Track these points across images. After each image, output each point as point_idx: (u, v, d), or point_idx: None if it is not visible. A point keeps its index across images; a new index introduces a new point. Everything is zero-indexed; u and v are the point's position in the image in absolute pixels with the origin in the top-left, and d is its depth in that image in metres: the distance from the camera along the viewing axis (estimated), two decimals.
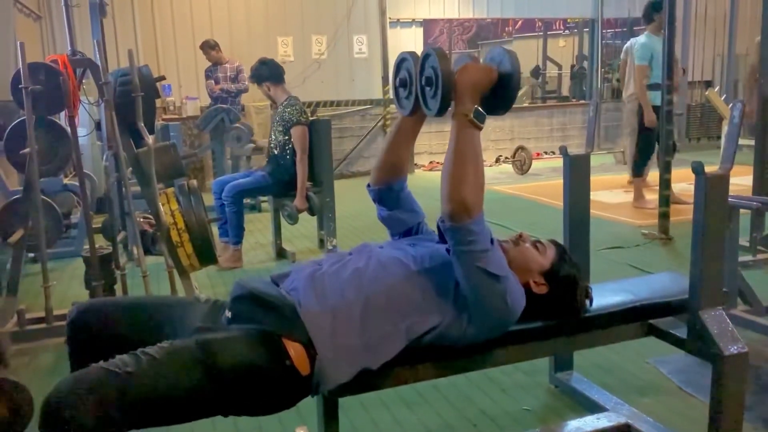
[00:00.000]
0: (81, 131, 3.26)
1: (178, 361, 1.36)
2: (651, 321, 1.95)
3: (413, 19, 8.95)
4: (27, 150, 2.90)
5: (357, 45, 8.66)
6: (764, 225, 3.69)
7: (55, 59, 3.02)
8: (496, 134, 9.38)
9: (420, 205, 1.91)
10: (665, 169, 4.48)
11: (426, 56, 1.58)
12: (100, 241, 3.54)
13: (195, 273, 3.34)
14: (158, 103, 5.10)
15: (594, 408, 2.28)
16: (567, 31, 13.80)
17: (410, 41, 8.97)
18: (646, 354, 2.71)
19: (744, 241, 3.53)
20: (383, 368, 1.54)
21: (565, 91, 12.72)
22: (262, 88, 4.48)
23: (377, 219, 1.90)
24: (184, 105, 7.76)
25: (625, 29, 10.90)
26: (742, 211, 3.06)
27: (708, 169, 1.80)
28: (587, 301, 1.81)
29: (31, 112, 2.87)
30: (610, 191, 6.52)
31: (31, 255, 4.03)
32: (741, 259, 3.17)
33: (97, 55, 3.17)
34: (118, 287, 3.21)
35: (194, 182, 3.29)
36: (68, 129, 3.07)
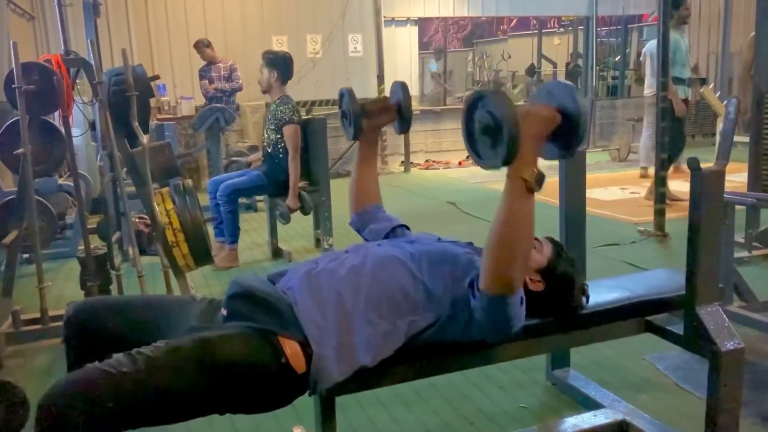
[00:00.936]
0: (75, 131, 3.25)
1: (174, 359, 1.36)
2: (647, 318, 1.96)
3: (408, 18, 8.95)
4: (21, 150, 2.89)
5: (352, 44, 8.65)
6: (760, 221, 3.70)
7: (49, 59, 3.01)
8: None
9: (392, 215, 1.98)
10: (661, 166, 4.49)
11: (480, 98, 1.37)
12: (96, 241, 3.54)
13: (191, 273, 3.33)
14: (153, 102, 5.09)
15: (591, 405, 2.28)
16: (562, 29, 13.82)
17: (405, 40, 8.97)
18: (643, 351, 2.72)
19: (740, 237, 3.54)
20: (380, 366, 1.54)
21: None
22: (267, 71, 4.38)
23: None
24: (178, 105, 7.74)
25: (619, 27, 10.93)
26: (737, 207, 3.07)
27: (703, 165, 1.80)
28: (584, 299, 1.81)
29: (24, 112, 2.85)
30: (606, 188, 6.53)
31: (26, 256, 4.02)
32: (737, 255, 3.18)
33: (91, 55, 3.17)
34: (113, 288, 3.20)
35: (189, 182, 3.28)
36: (62, 129, 3.05)
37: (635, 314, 1.95)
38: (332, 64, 8.57)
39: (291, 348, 1.43)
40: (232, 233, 4.37)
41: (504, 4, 9.38)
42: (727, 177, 1.89)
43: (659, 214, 4.57)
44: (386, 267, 1.58)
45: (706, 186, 1.77)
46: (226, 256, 4.36)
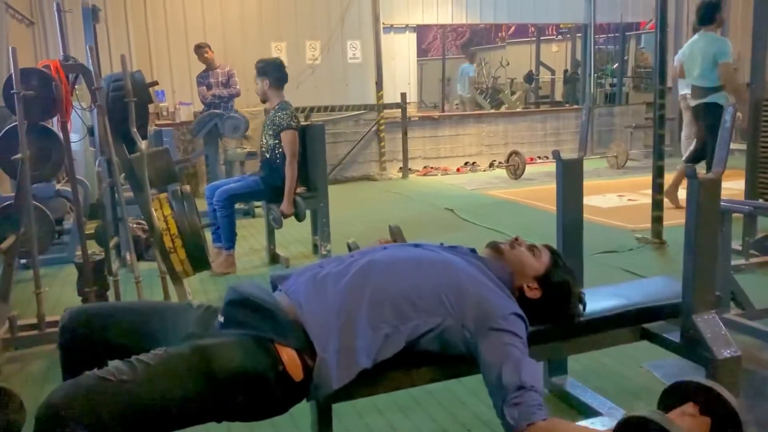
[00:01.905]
0: (73, 137, 3.25)
1: (173, 368, 1.36)
2: (644, 325, 1.96)
3: (407, 25, 8.98)
4: (19, 156, 2.89)
5: (351, 50, 8.68)
6: (757, 229, 3.70)
7: (48, 64, 3.01)
8: (490, 139, 9.40)
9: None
10: (658, 174, 4.50)
11: (645, 423, 1.25)
12: (93, 247, 3.53)
13: (188, 279, 3.33)
14: (151, 108, 5.09)
15: (588, 412, 2.28)
16: (560, 37, 13.87)
17: (404, 47, 8.99)
18: (640, 358, 2.71)
19: (737, 245, 3.54)
20: (378, 373, 1.54)
21: (558, 96, 12.77)
22: (262, 82, 4.43)
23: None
24: (177, 110, 7.75)
25: (617, 34, 10.97)
26: (734, 215, 3.08)
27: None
28: (580, 307, 1.81)
29: (23, 118, 2.86)
30: (603, 195, 6.54)
31: (24, 261, 4.01)
32: (734, 262, 3.18)
33: (90, 61, 3.17)
34: (110, 293, 3.20)
35: (187, 187, 3.28)
36: (61, 134, 3.06)
37: (632, 322, 1.95)
38: (331, 71, 8.59)
39: (288, 356, 1.43)
40: (228, 238, 4.37)
41: (502, 11, 9.42)
42: (724, 185, 1.89)
43: (657, 221, 4.58)
44: (391, 271, 1.59)
45: (703, 193, 1.78)
46: (223, 261, 4.35)
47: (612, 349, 2.25)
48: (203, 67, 7.31)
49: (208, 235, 4.14)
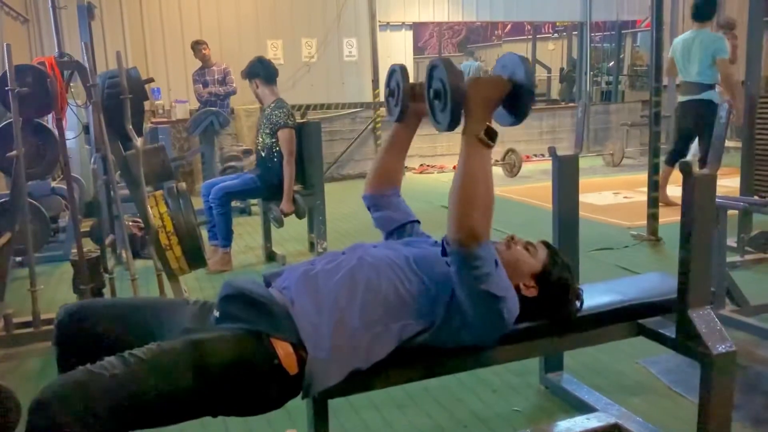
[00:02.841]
0: (69, 134, 3.25)
1: (167, 361, 1.36)
2: (640, 321, 1.96)
3: (403, 23, 8.97)
4: (14, 153, 2.88)
5: (347, 48, 8.67)
6: (752, 226, 3.71)
7: (43, 61, 3.00)
8: None
9: (412, 210, 1.93)
10: (654, 171, 4.51)
11: (433, 67, 1.51)
12: (89, 244, 3.52)
13: (184, 276, 3.32)
14: (147, 106, 5.08)
15: (584, 408, 2.29)
16: (556, 35, 13.89)
17: (400, 44, 8.99)
18: (635, 354, 2.72)
19: (732, 241, 3.55)
20: (373, 369, 1.54)
21: (554, 94, 12.80)
22: (252, 84, 4.47)
23: (368, 222, 1.92)
24: (173, 108, 7.73)
25: (613, 32, 10.99)
26: (729, 212, 3.09)
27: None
28: (578, 304, 1.81)
29: (18, 115, 2.85)
30: (599, 193, 6.55)
31: (19, 259, 4.00)
32: (729, 259, 3.20)
33: (85, 58, 3.16)
34: (106, 291, 3.19)
35: (183, 185, 3.27)
36: (56, 132, 3.05)
37: (628, 318, 1.95)
38: (327, 68, 8.58)
39: (283, 349, 1.43)
40: (224, 236, 4.36)
41: (498, 9, 9.42)
42: (720, 182, 1.90)
43: (652, 218, 4.59)
44: (382, 270, 1.59)
45: (698, 190, 1.78)
46: (219, 259, 4.35)
47: (607, 345, 2.26)
48: (199, 64, 7.31)
49: (204, 233, 4.13)
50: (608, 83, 11.20)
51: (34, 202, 3.55)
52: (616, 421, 2.16)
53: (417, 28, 10.01)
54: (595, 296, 1.92)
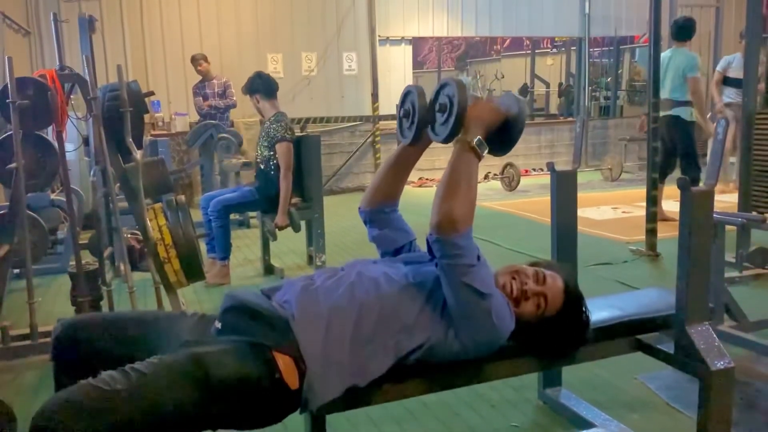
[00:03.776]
0: (69, 146, 3.25)
1: (168, 375, 1.35)
2: (639, 336, 1.96)
3: (402, 37, 9.02)
4: (14, 165, 2.88)
5: (347, 62, 8.71)
6: (750, 241, 3.71)
7: (44, 74, 3.01)
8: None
9: (410, 227, 1.92)
10: (652, 186, 4.52)
11: (444, 85, 1.63)
12: (87, 257, 3.51)
13: (182, 289, 3.31)
14: (147, 118, 5.08)
15: (583, 424, 2.28)
16: (554, 50, 13.95)
17: (400, 59, 9.03)
18: (634, 370, 2.71)
19: (730, 257, 3.55)
20: (371, 384, 1.54)
21: (553, 109, 12.84)
22: (252, 99, 4.49)
23: (367, 238, 1.91)
24: (173, 121, 7.75)
25: (611, 47, 11.05)
26: (728, 227, 3.09)
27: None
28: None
29: (18, 127, 2.85)
30: (598, 208, 6.56)
31: (17, 271, 3.99)
32: (727, 275, 3.19)
33: (86, 70, 3.17)
34: (104, 303, 3.18)
35: (182, 198, 3.27)
36: (56, 144, 3.05)
37: (627, 333, 1.95)
38: (327, 82, 8.62)
39: (285, 363, 1.43)
40: (223, 249, 4.36)
41: (497, 24, 9.48)
42: (718, 198, 1.90)
43: (651, 233, 4.59)
44: (380, 286, 1.59)
45: (696, 206, 1.79)
46: (217, 272, 4.34)
47: (606, 361, 2.25)
48: (199, 77, 7.33)
49: (203, 246, 4.13)
50: (607, 98, 11.25)
51: (33, 214, 3.54)
52: None
53: (416, 42, 10.06)
54: (593, 312, 1.91)
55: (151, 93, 3.68)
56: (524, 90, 12.61)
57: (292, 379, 1.43)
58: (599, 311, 1.95)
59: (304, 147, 4.49)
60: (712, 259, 2.07)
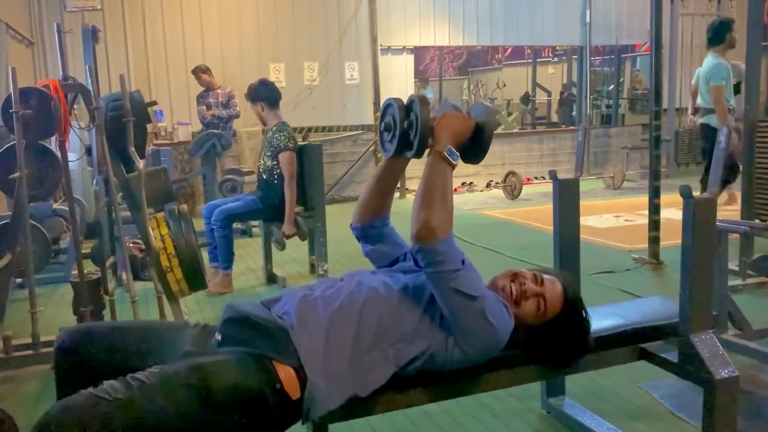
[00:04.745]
0: (71, 156, 3.25)
1: (169, 385, 1.35)
2: (642, 345, 1.95)
3: (404, 47, 9.04)
4: (16, 174, 2.89)
5: (348, 71, 8.73)
6: (753, 249, 3.71)
7: (47, 84, 3.02)
8: (487, 160, 9.26)
9: (403, 239, 1.91)
10: (654, 194, 4.52)
11: (410, 102, 1.66)
12: (89, 266, 3.51)
13: (184, 298, 3.31)
14: (150, 128, 5.10)
15: None
16: (556, 59, 13.99)
17: (401, 68, 9.06)
18: (638, 379, 2.70)
19: (734, 265, 3.54)
20: (373, 394, 1.54)
21: (554, 117, 12.85)
22: (256, 107, 4.50)
23: (363, 255, 1.92)
24: (175, 130, 7.77)
25: (612, 56, 11.07)
26: (731, 235, 3.08)
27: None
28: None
29: (21, 137, 2.86)
30: (600, 216, 6.55)
31: (19, 280, 3.99)
32: (731, 283, 3.18)
33: (89, 81, 3.18)
34: (106, 313, 3.18)
35: (184, 207, 3.28)
36: (59, 154, 3.06)
37: (630, 342, 1.95)
38: (329, 91, 8.64)
39: (286, 373, 1.43)
40: (225, 258, 4.36)
41: (498, 33, 9.50)
42: (727, 209, 1.90)
43: (653, 242, 4.58)
44: (380, 296, 1.59)
45: (699, 214, 1.79)
46: (220, 281, 4.34)
47: (610, 370, 2.25)
48: (202, 87, 7.35)
49: (205, 255, 4.13)
50: (608, 107, 11.26)
51: (36, 224, 3.55)
52: None
53: (418, 51, 10.09)
54: (596, 320, 1.91)
55: (154, 103, 3.69)
56: (526, 98, 12.65)
57: (293, 390, 1.43)
58: (602, 320, 1.95)
59: (306, 156, 4.50)
60: (715, 267, 2.07)
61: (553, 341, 1.72)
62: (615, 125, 10.64)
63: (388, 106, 1.71)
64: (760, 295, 3.57)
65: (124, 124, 3.00)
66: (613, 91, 11.18)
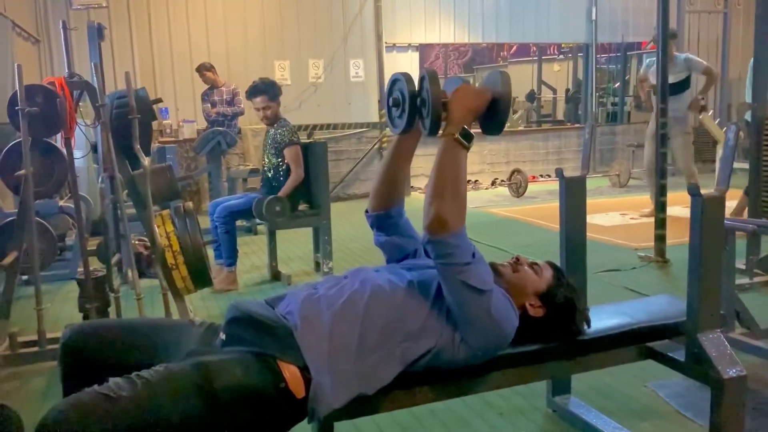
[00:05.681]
0: (77, 153, 3.26)
1: (174, 384, 1.35)
2: (649, 344, 1.94)
3: (409, 44, 9.03)
4: (22, 172, 2.89)
5: (353, 69, 8.73)
6: (760, 248, 3.69)
7: (53, 81, 3.03)
8: (492, 157, 9.43)
9: (417, 232, 1.90)
10: (661, 192, 4.50)
11: (422, 78, 1.60)
12: (95, 263, 3.52)
13: (189, 296, 3.32)
14: (155, 125, 5.11)
15: None
16: (561, 56, 13.93)
17: (406, 65, 9.03)
18: (644, 377, 2.69)
19: (741, 264, 3.53)
20: (379, 392, 1.53)
21: (560, 115, 12.80)
22: (274, 103, 4.43)
23: (373, 243, 1.90)
24: (180, 128, 7.78)
25: (618, 53, 11.03)
26: (738, 233, 3.07)
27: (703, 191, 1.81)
28: (585, 324, 1.80)
29: (27, 134, 2.87)
30: (606, 214, 6.53)
31: (25, 277, 4.00)
32: (738, 281, 3.17)
33: (95, 78, 3.18)
34: (112, 310, 3.19)
35: (190, 204, 3.28)
36: (64, 151, 3.06)
37: (636, 341, 1.94)
38: (334, 89, 8.64)
39: (290, 372, 1.43)
40: (229, 255, 4.36)
41: (504, 30, 9.48)
42: (728, 204, 1.89)
43: (660, 240, 4.57)
44: (384, 294, 1.58)
45: (707, 212, 1.77)
46: (224, 278, 4.34)
47: (616, 369, 2.24)
48: (206, 84, 7.36)
49: (210, 252, 4.13)
50: (614, 104, 11.21)
51: (42, 221, 3.56)
52: None
53: (423, 49, 10.05)
54: (603, 319, 1.91)
55: (159, 100, 3.69)
56: (531, 96, 12.60)
57: (297, 389, 1.43)
58: (609, 318, 1.94)
59: (311, 154, 4.50)
60: (723, 266, 2.05)
61: (551, 324, 1.73)
62: (621, 123, 10.60)
63: (395, 81, 1.68)
64: (767, 293, 3.55)
65: (130, 122, 3.01)
66: (619, 88, 11.13)
